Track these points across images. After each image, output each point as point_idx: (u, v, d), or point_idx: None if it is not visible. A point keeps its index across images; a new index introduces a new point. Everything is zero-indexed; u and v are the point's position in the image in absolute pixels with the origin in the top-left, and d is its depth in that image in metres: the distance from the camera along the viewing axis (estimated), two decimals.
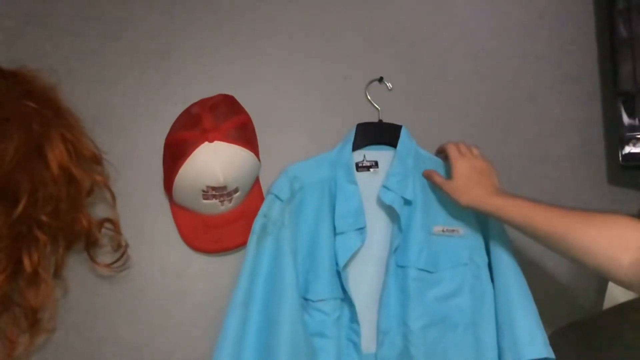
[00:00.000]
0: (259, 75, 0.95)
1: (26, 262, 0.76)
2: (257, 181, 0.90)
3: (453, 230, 0.90)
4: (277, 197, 0.87)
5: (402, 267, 0.87)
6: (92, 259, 0.85)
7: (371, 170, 0.93)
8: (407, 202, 0.89)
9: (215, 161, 0.81)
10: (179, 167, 0.81)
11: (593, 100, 0.99)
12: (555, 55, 1.00)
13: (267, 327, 0.82)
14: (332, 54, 0.97)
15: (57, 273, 0.83)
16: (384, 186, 0.89)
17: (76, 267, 0.86)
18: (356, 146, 0.93)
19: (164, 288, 0.89)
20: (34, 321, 0.80)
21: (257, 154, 0.87)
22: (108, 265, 0.85)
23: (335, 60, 0.96)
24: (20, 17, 0.91)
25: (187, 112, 0.88)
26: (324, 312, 0.85)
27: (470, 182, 0.85)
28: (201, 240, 0.88)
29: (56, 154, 0.77)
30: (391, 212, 0.89)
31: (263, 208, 0.87)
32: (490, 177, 0.86)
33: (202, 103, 0.87)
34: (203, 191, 0.83)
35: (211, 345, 0.82)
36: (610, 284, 0.88)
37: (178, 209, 0.88)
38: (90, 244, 0.84)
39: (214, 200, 0.84)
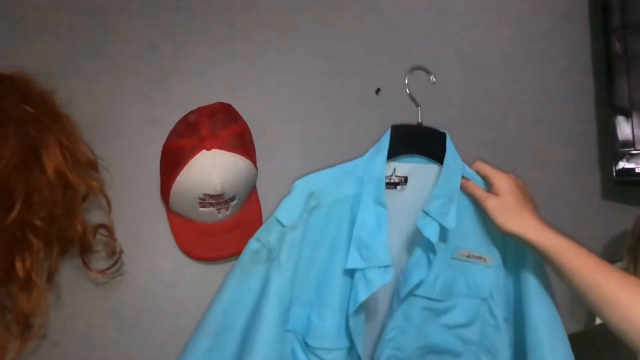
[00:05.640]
0: (257, 83, 0.95)
1: (19, 266, 0.76)
2: (254, 189, 0.90)
3: (480, 258, 0.78)
4: (278, 221, 0.76)
5: (412, 295, 0.76)
6: (86, 265, 0.84)
7: (398, 187, 0.78)
8: (444, 232, 0.75)
9: (212, 169, 0.80)
10: (176, 174, 0.81)
11: (588, 116, 1.00)
12: (551, 71, 1.01)
13: None
14: (331, 63, 0.97)
15: (50, 278, 0.82)
16: (425, 211, 0.74)
17: (69, 272, 0.85)
18: (390, 155, 0.77)
19: (158, 295, 0.88)
20: (25, 327, 0.79)
21: (254, 162, 0.87)
22: (102, 271, 0.85)
23: (333, 70, 0.97)
24: (17, 22, 0.91)
25: (185, 120, 0.88)
26: None
27: (519, 203, 0.71)
28: (197, 248, 0.88)
29: (52, 159, 0.76)
30: (422, 241, 0.75)
31: (261, 230, 0.77)
32: (534, 204, 0.73)
33: (200, 111, 0.87)
34: (200, 199, 0.83)
35: None
36: None
37: (174, 217, 0.87)
38: (85, 250, 0.84)
39: (211, 208, 0.84)
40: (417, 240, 0.77)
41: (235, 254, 0.87)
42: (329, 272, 0.76)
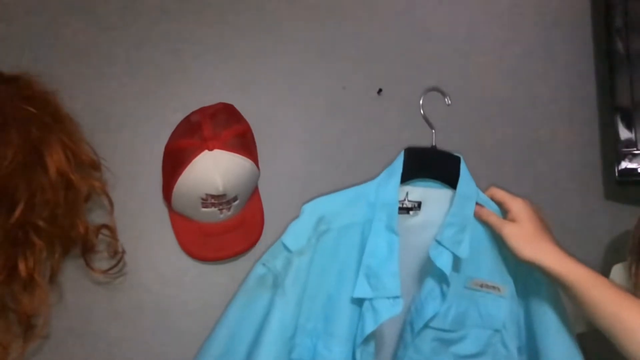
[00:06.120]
0: (259, 83, 0.95)
1: (22, 267, 0.76)
2: (256, 190, 0.90)
3: (494, 287, 0.75)
4: (285, 246, 0.74)
5: (425, 326, 0.74)
6: (88, 265, 0.84)
7: (411, 213, 0.76)
8: (457, 261, 0.72)
9: (214, 169, 0.80)
10: (179, 175, 0.81)
11: (590, 116, 1.00)
12: (553, 71, 1.00)
13: None
14: (334, 64, 0.97)
15: (53, 278, 0.82)
16: (437, 240, 0.72)
17: (72, 272, 0.86)
18: (402, 179, 0.75)
19: (160, 295, 0.88)
20: (27, 326, 0.79)
21: (256, 162, 0.87)
22: (104, 272, 0.85)
23: (335, 70, 0.97)
24: (19, 24, 0.91)
25: (187, 120, 0.88)
26: None
27: (537, 230, 0.69)
28: (199, 248, 0.88)
29: (55, 160, 0.77)
30: (434, 271, 0.72)
31: (267, 255, 0.76)
32: (550, 230, 0.71)
33: (202, 111, 0.88)
34: (202, 199, 0.83)
35: None
36: None
37: (177, 217, 0.88)
38: (87, 250, 0.84)
39: (213, 209, 0.84)
40: (429, 269, 0.74)
41: (237, 254, 0.88)
42: (337, 300, 0.74)
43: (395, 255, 0.71)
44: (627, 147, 0.93)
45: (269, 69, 0.95)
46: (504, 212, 0.75)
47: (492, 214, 0.75)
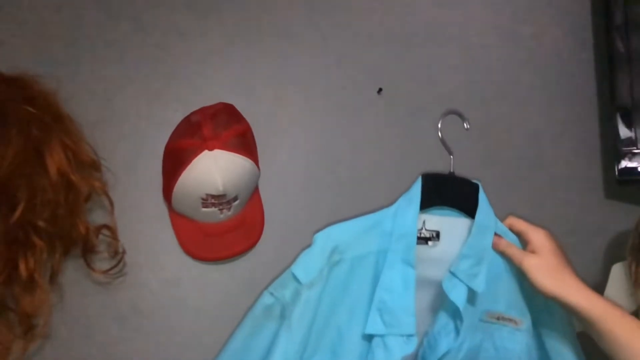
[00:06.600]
0: (259, 83, 0.95)
1: (22, 267, 0.76)
2: (256, 190, 0.90)
3: (511, 320, 0.72)
4: (295, 277, 0.71)
5: None
6: (89, 265, 0.84)
7: (429, 243, 0.72)
8: (472, 294, 0.69)
9: (215, 169, 0.81)
10: (179, 175, 0.81)
11: (590, 115, 1.00)
12: (552, 69, 1.00)
13: None
14: (334, 64, 0.97)
15: (53, 279, 0.82)
16: (451, 272, 0.69)
17: (72, 273, 0.85)
18: (422, 207, 0.72)
19: (161, 295, 0.89)
20: (28, 327, 0.79)
21: (256, 162, 0.87)
22: (104, 272, 0.85)
23: (336, 71, 0.97)
24: (19, 23, 0.91)
25: (187, 120, 0.88)
26: None
27: (559, 263, 0.66)
28: (199, 249, 0.88)
29: (55, 160, 0.77)
30: (449, 305, 0.69)
31: (276, 283, 0.73)
32: (570, 262, 0.68)
33: (202, 111, 0.88)
34: (202, 199, 0.83)
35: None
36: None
37: (177, 217, 0.88)
38: (87, 250, 0.84)
39: (213, 209, 0.84)
40: (443, 302, 0.72)
41: (237, 254, 0.88)
42: (347, 334, 0.71)
43: (411, 291, 0.69)
44: (627, 146, 0.93)
45: (269, 69, 0.95)
46: (524, 243, 0.73)
47: (511, 245, 0.73)
